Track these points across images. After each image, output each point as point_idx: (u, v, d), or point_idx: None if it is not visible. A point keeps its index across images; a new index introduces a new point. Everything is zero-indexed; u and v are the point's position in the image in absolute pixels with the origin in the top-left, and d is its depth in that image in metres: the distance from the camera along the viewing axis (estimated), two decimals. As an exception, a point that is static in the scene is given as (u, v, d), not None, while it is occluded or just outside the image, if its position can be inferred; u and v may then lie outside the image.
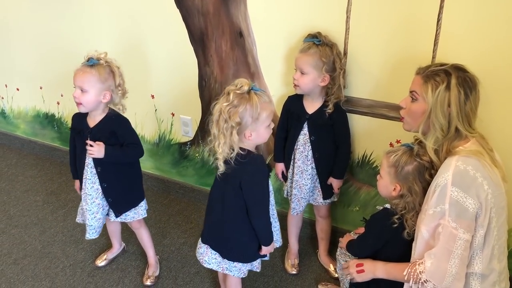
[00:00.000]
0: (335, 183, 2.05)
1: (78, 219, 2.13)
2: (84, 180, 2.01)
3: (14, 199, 2.89)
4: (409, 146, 1.59)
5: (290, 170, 2.06)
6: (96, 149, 1.90)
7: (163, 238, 2.50)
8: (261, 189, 1.63)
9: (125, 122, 2.01)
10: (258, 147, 2.39)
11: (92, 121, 1.96)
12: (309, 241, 2.42)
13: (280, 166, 2.11)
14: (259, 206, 1.64)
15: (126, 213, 2.09)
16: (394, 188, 1.61)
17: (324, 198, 2.08)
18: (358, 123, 2.06)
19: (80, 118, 1.99)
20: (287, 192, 2.15)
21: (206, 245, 1.78)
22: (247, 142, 1.59)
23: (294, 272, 2.23)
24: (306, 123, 1.96)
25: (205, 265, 1.78)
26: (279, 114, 2.17)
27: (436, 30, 1.76)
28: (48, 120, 3.25)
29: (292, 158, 2.03)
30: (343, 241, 1.84)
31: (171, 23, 2.36)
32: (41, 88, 3.16)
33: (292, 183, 2.07)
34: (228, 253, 1.75)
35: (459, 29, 1.71)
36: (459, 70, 1.46)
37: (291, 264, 2.26)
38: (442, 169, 1.44)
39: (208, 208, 1.78)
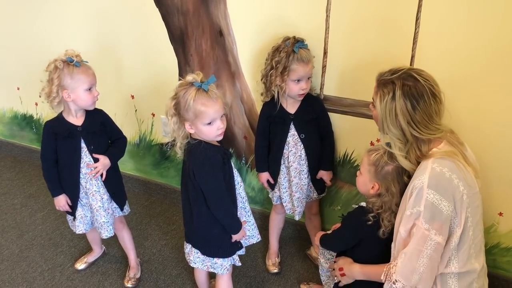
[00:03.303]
0: (326, 175, 2.05)
1: (80, 230, 2.04)
2: (89, 182, 1.95)
3: (-9, 203, 2.83)
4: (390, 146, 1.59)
5: (283, 176, 2.03)
6: (101, 164, 1.93)
7: (144, 240, 2.47)
8: (212, 179, 1.62)
9: (106, 113, 2.04)
10: (237, 145, 2.38)
11: (77, 120, 1.92)
12: (291, 241, 2.42)
13: (265, 176, 2.07)
14: (213, 195, 1.64)
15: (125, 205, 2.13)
16: (373, 186, 1.62)
17: (320, 193, 2.09)
18: (338, 122, 2.06)
19: (58, 123, 1.93)
20: (278, 199, 2.11)
21: (190, 244, 1.78)
22: (197, 135, 1.61)
23: (276, 271, 2.22)
24: (292, 123, 1.95)
25: (191, 265, 1.80)
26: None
27: (415, 29, 1.76)
28: (26, 121, 3.19)
29: (283, 162, 2.00)
30: (316, 237, 1.84)
31: (151, 22, 2.33)
32: (18, 89, 3.10)
33: (288, 188, 2.04)
34: (205, 249, 1.76)
35: (438, 28, 1.72)
36: (409, 77, 1.43)
37: (272, 263, 2.25)
38: (419, 172, 1.44)
39: (182, 205, 1.78)
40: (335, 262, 1.78)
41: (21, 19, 2.81)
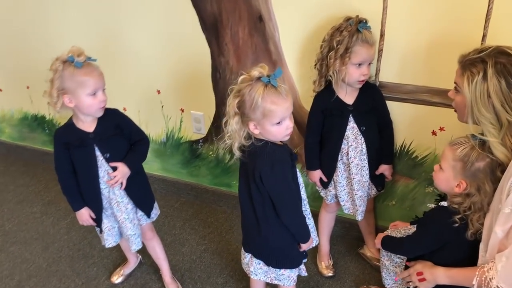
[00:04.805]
0: (388, 170, 1.90)
1: (110, 243, 1.85)
2: (111, 191, 1.76)
3: (8, 212, 2.63)
4: (479, 138, 1.41)
5: (340, 173, 1.86)
6: (120, 173, 1.71)
7: (182, 246, 2.29)
8: (283, 183, 1.46)
9: (123, 113, 1.81)
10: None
11: (89, 126, 1.70)
12: (339, 240, 2.26)
13: (317, 174, 1.90)
14: (284, 200, 1.48)
15: (153, 210, 1.93)
16: (458, 184, 1.44)
17: (380, 189, 1.94)
18: (396, 111, 1.89)
19: (69, 130, 1.72)
20: (332, 198, 1.95)
21: (250, 254, 1.61)
22: (262, 136, 1.44)
23: (330, 274, 2.07)
24: (351, 115, 1.77)
25: (252, 277, 1.64)
26: (306, 106, 1.99)
27: (488, 5, 1.59)
28: (38, 122, 2.98)
29: (341, 158, 1.83)
30: (377, 240, 1.70)
31: (180, 10, 2.12)
32: (28, 87, 2.88)
33: (346, 186, 1.88)
34: (271, 260, 1.60)
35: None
36: (501, 55, 1.30)
37: (326, 266, 2.09)
38: None
39: (241, 211, 1.61)
40: (406, 266, 1.64)
41: (26, 13, 2.58)
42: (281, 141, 1.50)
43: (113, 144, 1.73)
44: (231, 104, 1.39)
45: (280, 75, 1.38)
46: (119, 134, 1.75)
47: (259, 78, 1.36)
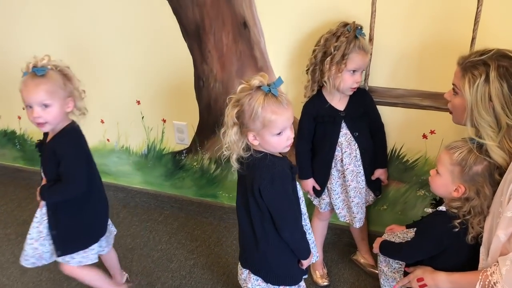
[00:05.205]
0: (384, 174, 1.89)
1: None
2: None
3: (-21, 235, 2.47)
4: (475, 141, 1.40)
5: (335, 180, 1.82)
6: (38, 191, 1.69)
7: (169, 262, 2.20)
8: (283, 197, 1.41)
9: (68, 148, 1.63)
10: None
11: (50, 136, 1.66)
12: (331, 247, 2.22)
13: (310, 182, 1.86)
14: (284, 216, 1.43)
15: (72, 254, 1.74)
16: (456, 189, 1.43)
17: (377, 194, 1.92)
18: (386, 115, 1.87)
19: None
20: (326, 206, 1.92)
21: (247, 270, 1.55)
22: (262, 147, 1.39)
23: (326, 283, 2.03)
24: (343, 121, 1.74)
25: None
26: (295, 114, 1.94)
27: (477, 8, 1.59)
28: (8, 138, 2.82)
29: (335, 166, 1.80)
30: (375, 244, 1.67)
31: (159, 17, 2.04)
32: (-5, 102, 2.72)
33: (341, 193, 1.85)
34: (270, 276, 1.54)
35: (503, 5, 1.55)
36: (503, 58, 1.30)
37: (320, 275, 2.05)
38: None
39: (238, 225, 1.55)
40: (405, 272, 1.62)
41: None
42: (280, 153, 1.45)
43: (47, 163, 1.67)
44: (230, 114, 1.33)
45: (281, 84, 1.33)
46: (53, 161, 1.62)
47: (259, 87, 1.31)
